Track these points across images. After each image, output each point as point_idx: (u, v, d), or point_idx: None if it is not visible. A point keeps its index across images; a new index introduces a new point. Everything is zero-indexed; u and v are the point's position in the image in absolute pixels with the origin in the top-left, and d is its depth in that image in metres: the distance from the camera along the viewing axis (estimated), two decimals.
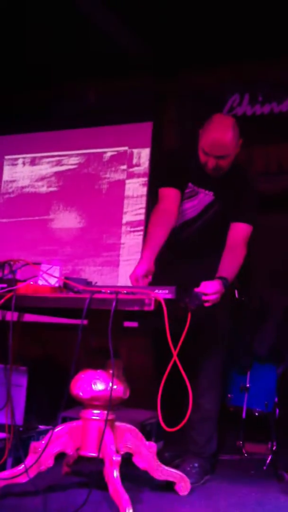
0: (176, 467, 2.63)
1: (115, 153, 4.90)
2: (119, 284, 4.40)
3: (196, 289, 2.46)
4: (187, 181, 2.85)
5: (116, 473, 2.18)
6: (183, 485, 2.47)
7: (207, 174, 2.81)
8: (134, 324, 2.99)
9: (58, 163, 5.08)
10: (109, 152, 4.93)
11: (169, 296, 2.15)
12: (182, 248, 2.84)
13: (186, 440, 2.80)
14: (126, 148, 4.87)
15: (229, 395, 3.55)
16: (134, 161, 4.80)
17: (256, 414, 3.46)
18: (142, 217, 4.69)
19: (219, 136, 2.71)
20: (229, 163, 2.79)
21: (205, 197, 2.85)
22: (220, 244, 2.77)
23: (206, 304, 2.46)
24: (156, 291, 2.16)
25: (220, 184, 2.83)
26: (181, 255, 2.84)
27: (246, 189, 2.86)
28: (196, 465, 2.71)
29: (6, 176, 5.27)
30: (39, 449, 2.29)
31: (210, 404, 2.78)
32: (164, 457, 2.77)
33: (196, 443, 2.76)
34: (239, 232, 2.80)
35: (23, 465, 2.27)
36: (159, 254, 2.65)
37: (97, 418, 2.33)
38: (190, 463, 2.72)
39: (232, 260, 2.72)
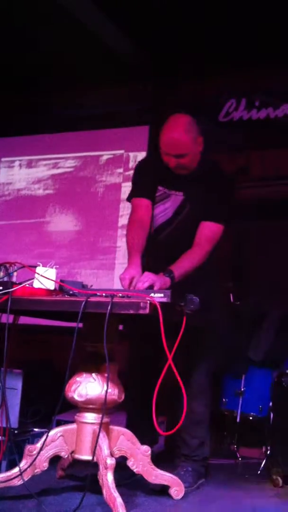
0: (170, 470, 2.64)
1: (112, 156, 4.91)
2: (114, 288, 4.41)
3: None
4: (157, 184, 2.85)
5: (110, 477, 2.18)
6: (178, 489, 2.47)
7: (176, 175, 2.79)
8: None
9: (55, 166, 5.09)
10: (105, 155, 4.94)
11: (164, 300, 2.16)
12: (159, 252, 2.81)
13: (178, 444, 2.79)
14: (122, 151, 4.88)
15: (223, 399, 3.56)
16: (131, 164, 4.81)
17: (251, 418, 3.47)
18: None
19: (174, 135, 2.72)
20: (191, 161, 2.76)
21: (176, 198, 2.83)
22: None
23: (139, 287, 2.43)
24: (152, 294, 2.16)
25: (190, 183, 2.80)
26: (159, 259, 2.77)
27: (217, 185, 2.80)
28: (189, 469, 2.71)
29: (2, 179, 5.27)
30: (34, 452, 2.29)
31: (201, 407, 2.77)
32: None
33: (189, 447, 2.76)
34: (202, 231, 2.76)
35: (17, 468, 2.27)
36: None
37: (92, 421, 2.33)
38: (183, 467, 2.72)
39: (187, 257, 2.68)
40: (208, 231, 2.76)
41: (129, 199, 2.94)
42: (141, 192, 2.87)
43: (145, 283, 2.40)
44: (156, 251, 2.79)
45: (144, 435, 2.50)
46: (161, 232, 2.86)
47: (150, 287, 2.39)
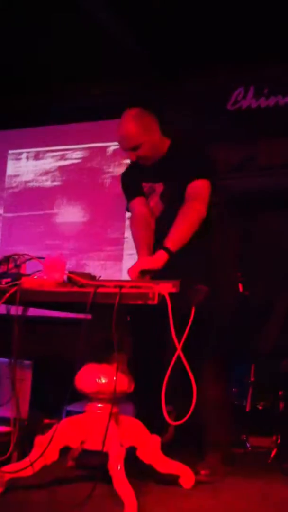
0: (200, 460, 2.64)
1: (119, 147, 4.88)
2: (123, 278, 4.41)
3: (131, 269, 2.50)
4: (140, 182, 2.89)
5: (120, 467, 2.18)
6: (188, 478, 2.48)
7: (151, 167, 2.81)
8: None
9: (62, 158, 5.08)
10: (112, 146, 4.92)
11: (173, 290, 2.15)
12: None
13: (203, 433, 2.78)
14: None
15: (233, 389, 3.56)
16: None
17: (260, 407, 3.47)
18: None
19: (122, 131, 2.78)
20: (151, 149, 2.77)
21: (160, 188, 2.85)
22: None
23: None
24: (160, 285, 2.16)
25: (166, 169, 2.80)
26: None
27: (183, 151, 2.78)
28: (219, 456, 2.71)
29: (10, 171, 5.27)
30: (44, 443, 2.30)
31: (220, 394, 2.76)
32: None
33: (212, 435, 2.75)
34: (187, 191, 2.71)
35: (28, 459, 2.28)
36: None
37: (102, 411, 2.33)
38: (213, 455, 2.71)
39: (175, 223, 2.64)
40: (190, 189, 2.72)
41: (127, 208, 2.99)
42: (131, 194, 2.94)
43: (132, 274, 2.46)
44: (158, 243, 2.78)
45: (153, 425, 2.51)
46: (161, 224, 2.86)
47: (143, 274, 2.39)
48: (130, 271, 2.51)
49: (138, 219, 2.88)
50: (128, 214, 4.60)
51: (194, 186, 2.72)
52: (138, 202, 2.91)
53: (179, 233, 2.61)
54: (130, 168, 3.01)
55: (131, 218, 2.96)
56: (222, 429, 2.77)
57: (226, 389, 2.85)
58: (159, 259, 2.53)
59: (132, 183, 2.96)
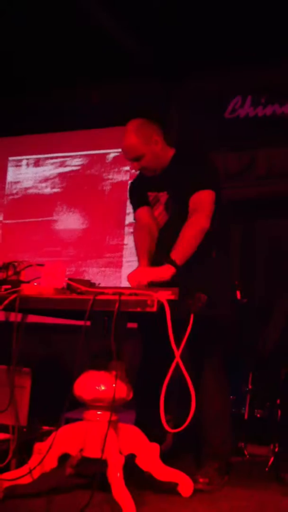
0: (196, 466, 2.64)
1: (118, 154, 4.91)
2: (122, 285, 4.41)
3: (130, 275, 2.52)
4: (146, 192, 2.93)
5: (119, 474, 2.18)
6: (186, 486, 2.47)
7: (156, 177, 2.86)
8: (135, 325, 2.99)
9: (62, 165, 5.10)
10: (112, 153, 4.94)
11: (172, 298, 2.16)
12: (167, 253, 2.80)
13: (201, 443, 2.79)
14: None
15: (231, 397, 3.55)
16: None
17: (258, 415, 3.46)
18: None
19: (124, 141, 2.82)
20: (153, 160, 2.81)
21: (164, 199, 2.88)
22: None
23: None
24: (159, 292, 2.17)
25: (170, 180, 2.83)
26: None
27: (186, 163, 2.81)
28: (216, 467, 2.71)
29: (10, 177, 5.28)
30: (43, 450, 2.29)
31: (221, 404, 2.78)
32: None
33: (211, 446, 2.76)
34: (191, 203, 2.73)
35: (27, 466, 2.28)
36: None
37: (100, 419, 2.34)
38: (211, 465, 2.70)
39: (181, 236, 2.64)
40: (193, 201, 2.73)
41: (134, 217, 3.04)
42: (136, 204, 3.00)
43: (134, 282, 2.45)
44: (162, 253, 2.79)
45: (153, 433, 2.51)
46: (165, 233, 2.88)
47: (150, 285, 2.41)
48: (134, 277, 2.49)
49: (142, 228, 2.91)
50: (127, 221, 4.62)
51: (197, 197, 2.73)
52: (143, 211, 2.95)
53: (185, 248, 2.62)
54: (138, 178, 3.04)
55: (135, 226, 3.00)
56: (221, 438, 2.78)
57: (227, 399, 2.84)
58: (167, 271, 2.53)
59: (138, 192, 3.00)
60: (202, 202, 2.72)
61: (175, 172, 2.82)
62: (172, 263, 2.55)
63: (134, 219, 3.04)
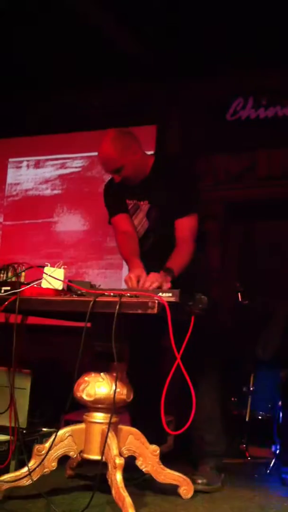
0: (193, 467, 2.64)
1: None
2: (122, 287, 4.40)
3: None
4: (125, 199, 2.92)
5: (119, 476, 2.18)
6: (187, 488, 2.47)
7: (136, 186, 2.84)
8: None
9: (62, 166, 5.09)
10: None
11: (173, 299, 2.15)
12: (150, 261, 2.79)
13: (197, 442, 2.78)
14: None
15: (232, 399, 3.55)
16: None
17: (260, 417, 3.46)
18: None
19: (102, 153, 2.79)
20: (134, 170, 2.79)
21: (144, 208, 2.89)
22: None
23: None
24: (160, 294, 2.16)
25: (151, 189, 2.83)
26: (151, 267, 2.72)
27: (175, 181, 2.81)
28: (213, 465, 2.72)
29: (10, 179, 5.28)
30: (43, 452, 2.29)
31: (213, 404, 2.78)
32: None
33: (206, 442, 2.75)
34: (179, 229, 2.78)
35: (26, 468, 2.27)
36: None
37: (101, 421, 2.33)
38: (207, 464, 2.71)
39: (176, 255, 2.70)
40: (185, 228, 2.78)
41: (109, 221, 3.02)
42: (114, 210, 2.96)
43: (154, 283, 2.41)
44: (146, 260, 2.79)
45: (151, 435, 2.50)
46: (145, 242, 2.91)
47: (158, 288, 2.39)
48: (147, 282, 2.46)
49: (126, 233, 2.91)
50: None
51: (186, 224, 2.77)
52: (123, 218, 2.93)
53: (180, 266, 2.63)
54: (113, 182, 2.97)
55: (116, 234, 2.98)
56: (214, 437, 2.77)
57: (217, 401, 2.83)
58: (168, 279, 2.53)
59: (115, 198, 2.97)
60: (187, 231, 2.76)
61: (157, 182, 2.81)
62: (171, 272, 2.55)
63: (110, 222, 3.01)
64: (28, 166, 5.22)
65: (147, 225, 2.90)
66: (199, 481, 2.59)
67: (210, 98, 4.59)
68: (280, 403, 3.33)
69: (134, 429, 2.45)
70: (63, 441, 2.34)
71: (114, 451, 2.23)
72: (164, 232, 2.82)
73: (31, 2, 3.96)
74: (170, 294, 2.18)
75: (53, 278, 2.33)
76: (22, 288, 2.28)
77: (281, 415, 3.30)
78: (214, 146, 4.48)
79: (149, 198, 2.86)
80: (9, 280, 2.34)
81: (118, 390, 2.28)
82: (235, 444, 3.53)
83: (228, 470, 3.06)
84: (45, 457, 2.27)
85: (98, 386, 2.33)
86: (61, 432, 2.34)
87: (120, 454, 2.27)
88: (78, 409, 2.57)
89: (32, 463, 2.28)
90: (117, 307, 2.08)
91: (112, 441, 2.25)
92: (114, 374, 2.28)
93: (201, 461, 2.75)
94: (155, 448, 2.43)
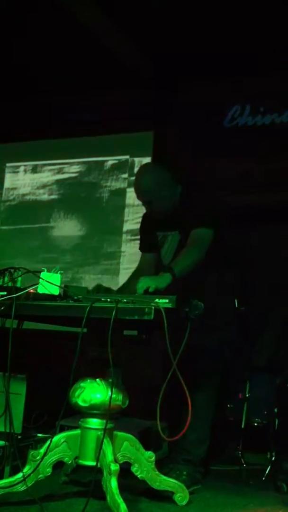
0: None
1: (116, 161, 4.91)
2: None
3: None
4: (154, 232, 3.04)
5: (114, 483, 2.17)
6: (182, 495, 2.46)
7: (165, 218, 2.93)
8: (133, 332, 2.99)
9: (60, 171, 5.10)
10: (110, 160, 4.94)
11: (169, 305, 2.15)
12: (174, 286, 2.76)
13: (178, 440, 2.77)
14: (127, 156, 4.88)
15: (228, 405, 3.54)
16: (135, 169, 4.80)
17: (255, 424, 3.45)
18: None
19: (136, 184, 2.95)
20: (161, 205, 2.89)
21: (172, 238, 2.96)
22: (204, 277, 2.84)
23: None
24: (156, 300, 2.16)
25: (177, 220, 2.90)
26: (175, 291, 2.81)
27: (191, 202, 2.89)
28: (184, 473, 2.70)
29: (7, 184, 5.28)
30: (37, 457, 2.28)
31: (203, 402, 2.76)
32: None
33: (186, 439, 2.72)
34: (190, 236, 2.82)
35: (21, 474, 2.26)
36: None
37: (96, 427, 2.33)
38: (177, 470, 2.71)
39: (182, 254, 2.76)
40: (194, 234, 2.82)
41: (139, 248, 3.23)
42: (143, 247, 3.18)
43: (141, 289, 2.45)
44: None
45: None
46: None
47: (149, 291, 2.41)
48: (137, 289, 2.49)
49: (137, 272, 3.03)
50: (124, 228, 4.65)
51: (197, 232, 2.81)
52: (145, 258, 3.12)
53: (185, 263, 2.68)
54: (146, 215, 3.13)
55: (138, 266, 3.15)
56: (194, 437, 2.76)
57: (209, 402, 2.84)
58: (164, 280, 2.54)
59: (146, 237, 3.13)
60: (199, 237, 2.80)
61: (183, 213, 2.87)
62: (172, 272, 2.57)
63: (141, 252, 3.18)
64: (25, 171, 5.22)
65: (172, 254, 2.95)
66: None
67: (208, 106, 4.60)
68: (275, 409, 3.33)
69: (129, 436, 2.45)
70: (58, 447, 2.34)
71: (110, 457, 2.22)
72: None
73: (32, 11, 3.97)
74: (167, 300, 2.18)
75: (50, 283, 2.33)
76: (19, 293, 2.27)
77: (276, 422, 3.29)
78: (211, 152, 4.49)
79: (178, 229, 2.93)
80: (5, 285, 2.34)
81: (113, 396, 2.28)
82: (231, 451, 3.52)
83: (223, 477, 3.06)
84: (40, 463, 2.27)
85: (93, 392, 2.33)
86: (56, 438, 2.34)
87: (115, 460, 2.26)
88: (74, 415, 2.56)
89: (26, 469, 2.27)
90: (113, 313, 2.08)
91: (107, 447, 2.24)
92: (110, 380, 2.27)
93: (173, 467, 2.75)
94: (150, 455, 2.42)
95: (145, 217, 3.19)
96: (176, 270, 2.59)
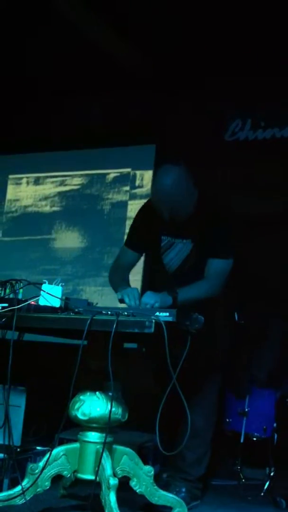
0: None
1: (118, 174, 4.93)
2: (119, 305, 4.40)
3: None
4: (157, 234, 2.87)
5: (113, 497, 2.16)
6: (180, 510, 2.45)
7: (176, 223, 2.78)
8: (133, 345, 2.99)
9: (62, 184, 5.12)
10: (112, 173, 4.96)
11: (169, 319, 2.16)
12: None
13: (175, 458, 2.76)
14: (129, 169, 4.90)
15: (227, 420, 3.53)
16: (137, 182, 4.83)
17: (254, 439, 3.44)
18: None
19: (161, 187, 2.70)
20: (181, 210, 2.71)
21: (183, 246, 2.85)
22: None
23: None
24: (157, 313, 2.17)
25: (192, 228, 2.78)
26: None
27: (215, 223, 2.77)
28: (183, 490, 2.69)
29: (10, 195, 5.30)
30: (36, 471, 2.28)
31: (201, 421, 2.75)
32: (162, 479, 2.75)
33: (184, 460, 2.72)
34: (210, 266, 2.77)
35: (19, 487, 2.25)
36: None
37: (95, 440, 2.32)
38: (176, 487, 2.70)
39: (194, 285, 2.71)
40: (216, 266, 2.76)
41: (125, 243, 3.06)
42: (132, 245, 3.00)
43: (147, 304, 2.45)
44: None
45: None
46: (179, 278, 2.84)
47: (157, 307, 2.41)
48: (143, 303, 2.48)
49: (120, 269, 2.99)
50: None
51: (219, 264, 2.76)
52: (129, 254, 3.00)
53: (191, 295, 2.63)
54: (151, 212, 2.84)
55: (116, 260, 3.05)
56: (191, 457, 2.75)
57: (208, 421, 2.83)
58: (166, 302, 2.53)
59: (146, 232, 2.91)
60: (223, 271, 2.75)
61: (195, 226, 2.76)
62: (174, 297, 2.56)
63: (125, 244, 3.01)
64: (28, 182, 5.25)
65: (180, 262, 2.86)
66: None
67: (208, 119, 4.63)
68: (275, 424, 3.31)
69: (128, 450, 2.44)
70: (57, 460, 2.33)
71: (108, 471, 2.22)
72: (197, 269, 2.79)
73: (31, 15, 3.99)
74: (167, 314, 2.18)
75: (51, 295, 2.33)
76: (20, 305, 2.28)
77: (276, 436, 3.28)
78: (212, 166, 4.51)
79: (193, 237, 2.81)
80: (6, 297, 2.34)
81: (113, 409, 2.28)
82: (229, 466, 3.51)
83: (222, 492, 3.05)
84: (39, 476, 2.26)
85: (93, 405, 2.32)
86: (55, 451, 2.33)
87: (114, 475, 2.25)
88: (73, 428, 2.55)
89: (25, 482, 2.27)
90: (114, 325, 2.09)
91: (106, 461, 2.24)
92: (110, 393, 2.27)
93: (172, 483, 2.74)
94: (149, 469, 2.41)
95: (145, 215, 2.96)
96: (180, 298, 2.57)
